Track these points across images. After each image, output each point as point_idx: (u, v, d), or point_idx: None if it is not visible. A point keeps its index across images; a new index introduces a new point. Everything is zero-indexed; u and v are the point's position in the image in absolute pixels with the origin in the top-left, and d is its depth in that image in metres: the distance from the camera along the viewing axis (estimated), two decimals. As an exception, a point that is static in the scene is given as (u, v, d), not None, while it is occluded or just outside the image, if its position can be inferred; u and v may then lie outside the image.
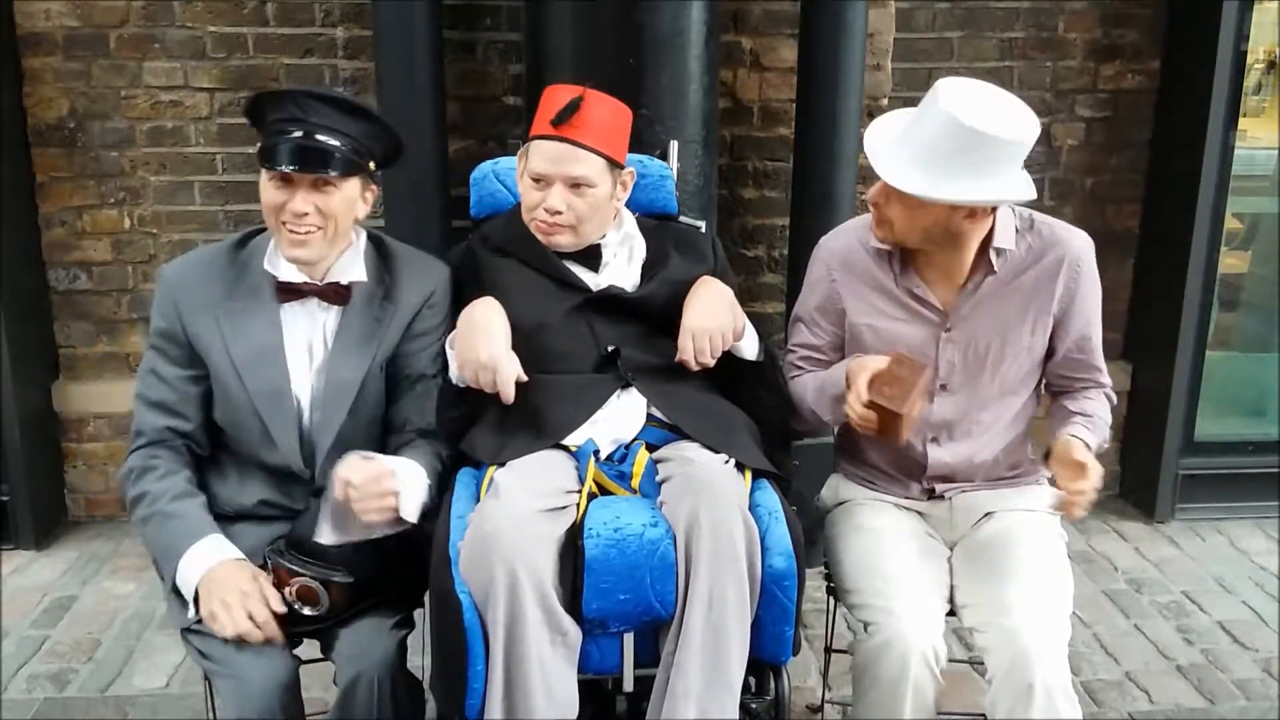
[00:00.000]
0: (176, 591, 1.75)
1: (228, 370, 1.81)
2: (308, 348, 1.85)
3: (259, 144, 1.78)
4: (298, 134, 1.74)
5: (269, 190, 1.77)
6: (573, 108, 1.89)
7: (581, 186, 1.91)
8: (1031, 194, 1.78)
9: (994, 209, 1.84)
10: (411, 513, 1.72)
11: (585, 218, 1.93)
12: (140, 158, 3.24)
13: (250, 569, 1.72)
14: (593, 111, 1.91)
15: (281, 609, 1.69)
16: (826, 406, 1.94)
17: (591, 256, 1.99)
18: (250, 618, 1.65)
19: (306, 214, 1.76)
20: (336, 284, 1.84)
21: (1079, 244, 1.92)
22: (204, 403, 1.85)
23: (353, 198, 1.81)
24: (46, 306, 3.32)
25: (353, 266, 1.87)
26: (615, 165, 1.96)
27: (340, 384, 1.85)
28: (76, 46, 3.15)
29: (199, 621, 1.70)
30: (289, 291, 1.83)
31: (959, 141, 1.70)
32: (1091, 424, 1.90)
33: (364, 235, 1.91)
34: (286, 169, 1.73)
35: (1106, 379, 2.00)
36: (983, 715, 1.78)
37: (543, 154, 1.92)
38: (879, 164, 1.78)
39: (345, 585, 1.72)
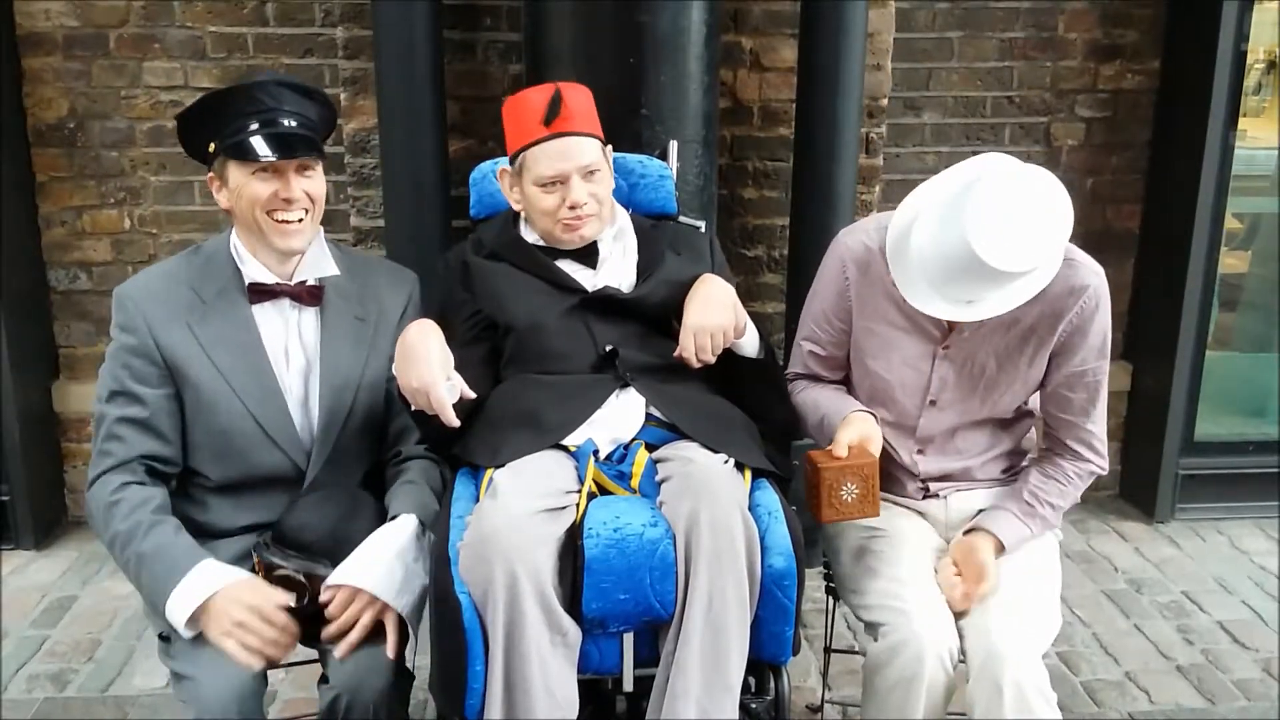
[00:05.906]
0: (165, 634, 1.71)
1: (213, 377, 1.77)
2: (284, 349, 1.84)
3: (210, 144, 1.76)
4: (283, 122, 1.74)
5: (254, 184, 1.75)
6: (557, 101, 1.91)
7: (594, 172, 1.94)
8: (1053, 271, 1.73)
9: None
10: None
11: (604, 200, 1.97)
12: (140, 158, 3.25)
13: (245, 584, 1.67)
14: (571, 100, 1.94)
15: (289, 602, 1.66)
16: (826, 438, 1.94)
17: (589, 254, 1.99)
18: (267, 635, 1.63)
19: (298, 199, 1.77)
20: (305, 283, 1.84)
21: (1092, 280, 1.83)
22: (178, 423, 1.80)
23: (324, 181, 1.84)
24: (46, 306, 3.33)
25: (321, 261, 1.86)
26: (603, 143, 2.00)
27: (337, 386, 1.84)
28: (76, 46, 3.15)
29: (195, 637, 1.65)
30: (260, 292, 1.82)
31: (980, 274, 1.66)
32: (1032, 516, 1.88)
33: (321, 231, 1.88)
34: (275, 158, 1.73)
35: (1094, 443, 1.91)
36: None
37: (549, 155, 1.92)
38: (902, 283, 1.80)
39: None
